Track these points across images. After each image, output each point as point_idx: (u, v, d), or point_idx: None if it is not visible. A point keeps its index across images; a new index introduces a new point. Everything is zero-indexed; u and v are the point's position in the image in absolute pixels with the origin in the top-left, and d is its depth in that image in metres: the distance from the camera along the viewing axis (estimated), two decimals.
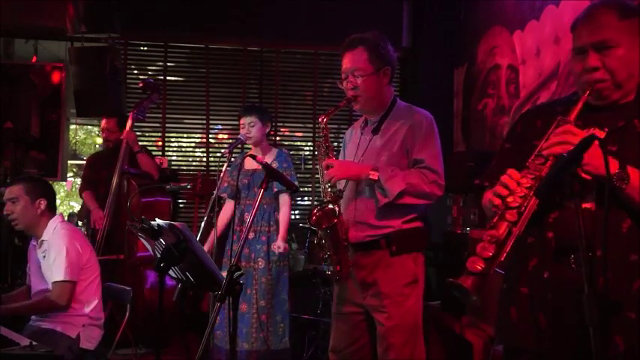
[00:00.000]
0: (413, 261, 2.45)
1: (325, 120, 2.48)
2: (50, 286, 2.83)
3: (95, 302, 2.93)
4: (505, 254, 1.50)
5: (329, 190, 2.43)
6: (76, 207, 7.24)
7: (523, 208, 1.52)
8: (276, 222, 3.81)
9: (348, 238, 2.42)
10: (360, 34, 2.48)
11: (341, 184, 2.50)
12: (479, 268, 1.48)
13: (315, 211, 2.45)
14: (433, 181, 2.37)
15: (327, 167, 2.40)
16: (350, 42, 2.47)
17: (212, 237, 3.65)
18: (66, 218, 3.16)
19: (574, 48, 1.65)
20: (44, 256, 2.89)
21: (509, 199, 1.53)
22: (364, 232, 2.43)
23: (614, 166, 1.49)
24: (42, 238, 2.92)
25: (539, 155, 1.57)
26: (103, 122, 4.60)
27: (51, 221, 2.93)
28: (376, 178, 2.35)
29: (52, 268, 2.82)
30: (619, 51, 1.58)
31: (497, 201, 1.55)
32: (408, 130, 2.42)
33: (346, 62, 2.47)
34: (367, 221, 2.43)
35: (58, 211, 3.07)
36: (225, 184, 3.86)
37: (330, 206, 2.41)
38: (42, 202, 2.91)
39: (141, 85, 4.51)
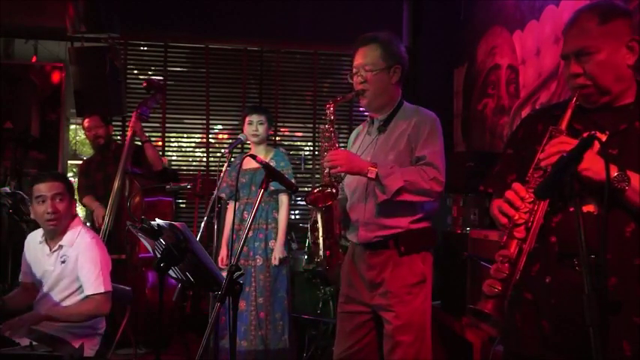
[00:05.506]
0: (421, 261, 2.47)
1: (332, 108, 2.49)
2: (77, 293, 2.76)
3: None
4: (519, 272, 1.52)
5: (327, 175, 2.41)
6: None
7: (530, 224, 1.53)
8: (274, 220, 3.83)
9: (340, 234, 2.44)
10: (374, 32, 2.52)
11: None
12: (496, 290, 1.49)
13: (315, 190, 2.45)
14: (433, 177, 2.36)
15: (333, 156, 2.37)
16: (364, 39, 2.51)
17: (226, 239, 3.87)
18: None
19: (560, 55, 1.69)
20: (63, 261, 2.76)
21: (515, 217, 1.54)
22: (373, 233, 2.44)
23: (613, 170, 1.49)
24: (61, 242, 2.78)
25: (537, 168, 1.58)
26: (86, 122, 4.51)
27: (73, 224, 2.81)
28: (373, 176, 2.33)
29: (84, 279, 2.72)
30: (599, 57, 1.59)
31: (504, 219, 1.57)
32: (414, 128, 2.45)
33: (358, 57, 2.50)
34: (377, 222, 2.43)
35: None
36: (224, 185, 3.86)
37: (332, 189, 2.41)
38: (74, 203, 2.81)
39: (145, 84, 4.47)
